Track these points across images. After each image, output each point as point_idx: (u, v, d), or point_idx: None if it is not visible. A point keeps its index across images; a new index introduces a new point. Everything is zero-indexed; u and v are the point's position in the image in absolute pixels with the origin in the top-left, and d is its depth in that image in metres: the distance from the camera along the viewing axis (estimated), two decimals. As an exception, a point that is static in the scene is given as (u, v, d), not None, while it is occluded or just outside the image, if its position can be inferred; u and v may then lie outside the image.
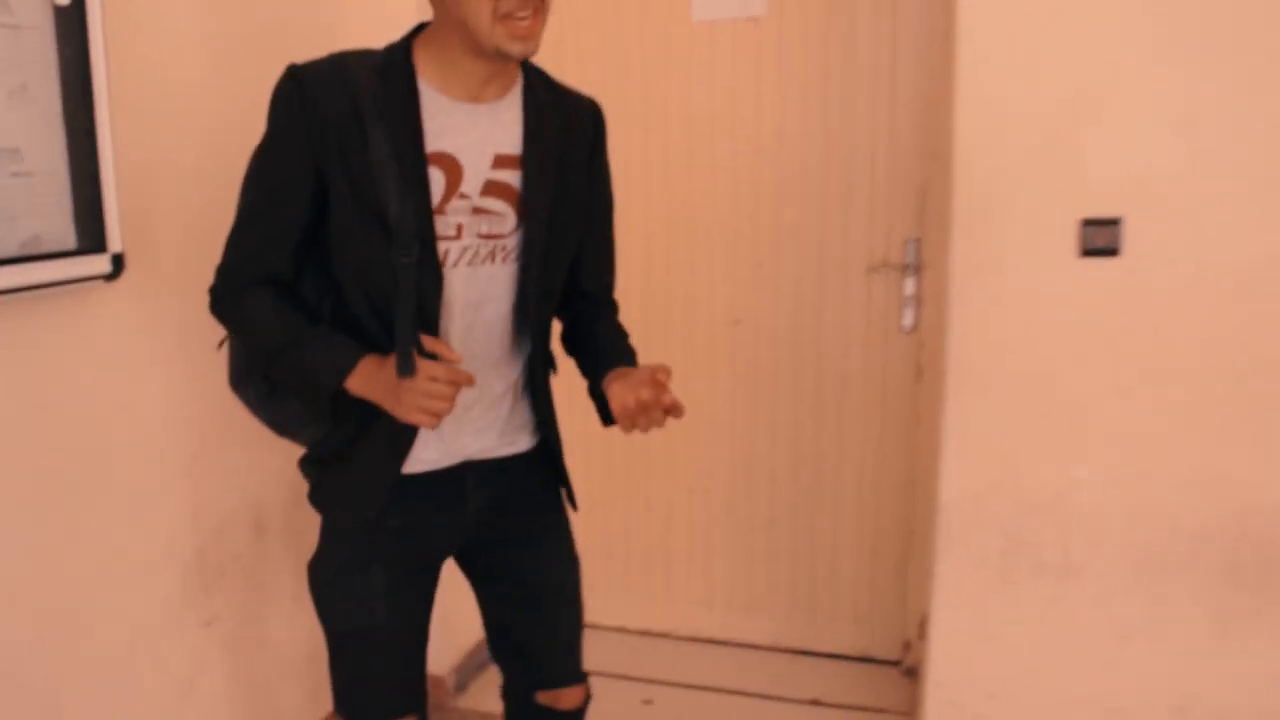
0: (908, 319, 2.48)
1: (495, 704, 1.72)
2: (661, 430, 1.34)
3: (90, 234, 1.60)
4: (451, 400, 1.25)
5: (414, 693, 1.50)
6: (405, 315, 1.26)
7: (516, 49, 1.22)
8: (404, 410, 1.25)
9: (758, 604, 2.77)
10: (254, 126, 1.35)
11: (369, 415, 1.34)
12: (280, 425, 1.47)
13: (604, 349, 1.47)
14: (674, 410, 1.28)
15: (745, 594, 2.78)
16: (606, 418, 1.40)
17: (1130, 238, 1.89)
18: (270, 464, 2.12)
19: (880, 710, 2.48)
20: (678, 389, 1.33)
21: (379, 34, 1.45)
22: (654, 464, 2.79)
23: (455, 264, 1.31)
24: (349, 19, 2.29)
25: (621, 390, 1.30)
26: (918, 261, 2.46)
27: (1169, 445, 1.94)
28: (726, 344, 2.66)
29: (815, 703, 2.52)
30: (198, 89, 1.89)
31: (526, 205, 1.33)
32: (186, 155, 1.87)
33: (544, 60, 1.40)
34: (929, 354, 2.47)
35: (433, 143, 1.27)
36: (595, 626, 2.83)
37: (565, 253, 1.42)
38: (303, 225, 1.31)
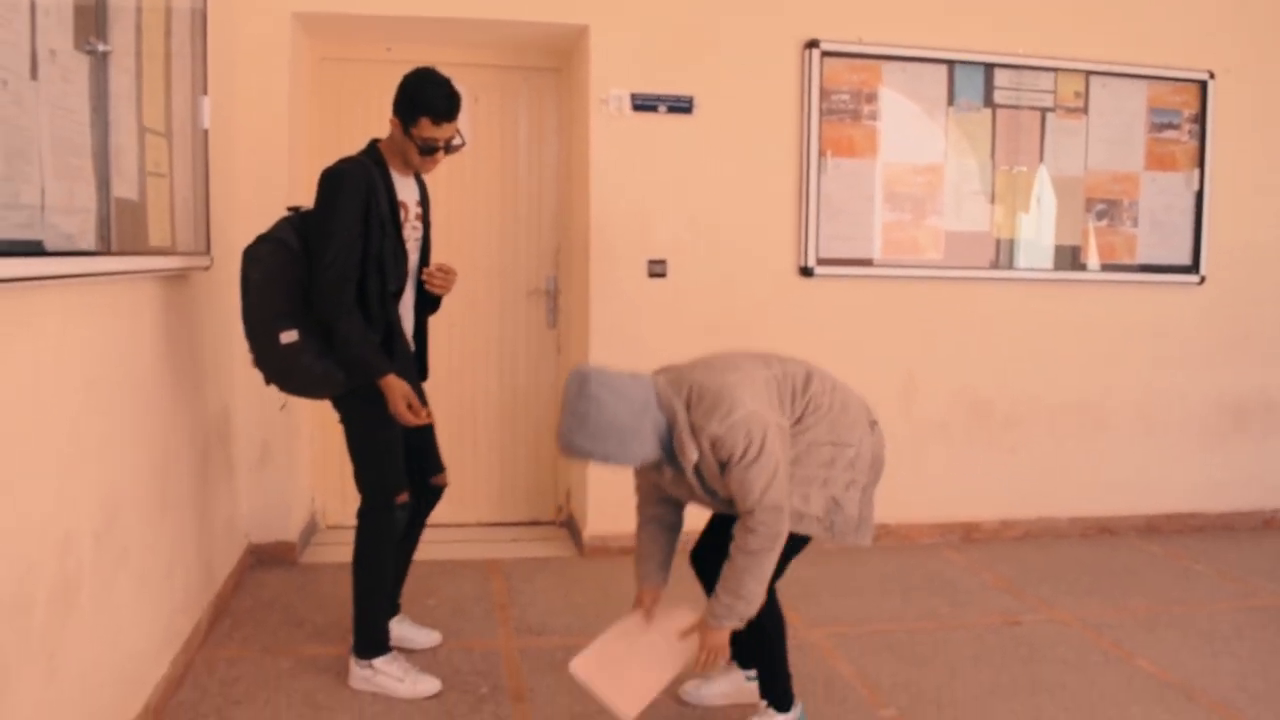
0: (551, 321, 4.46)
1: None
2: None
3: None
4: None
5: None
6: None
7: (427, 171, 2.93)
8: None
9: (464, 495, 4.45)
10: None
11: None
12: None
13: None
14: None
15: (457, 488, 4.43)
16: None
17: (671, 269, 4.08)
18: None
19: (551, 538, 4.33)
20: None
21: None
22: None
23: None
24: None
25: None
26: (555, 289, 4.46)
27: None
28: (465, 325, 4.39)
29: (516, 540, 4.29)
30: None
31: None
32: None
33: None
34: (563, 340, 4.47)
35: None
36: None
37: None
38: None
